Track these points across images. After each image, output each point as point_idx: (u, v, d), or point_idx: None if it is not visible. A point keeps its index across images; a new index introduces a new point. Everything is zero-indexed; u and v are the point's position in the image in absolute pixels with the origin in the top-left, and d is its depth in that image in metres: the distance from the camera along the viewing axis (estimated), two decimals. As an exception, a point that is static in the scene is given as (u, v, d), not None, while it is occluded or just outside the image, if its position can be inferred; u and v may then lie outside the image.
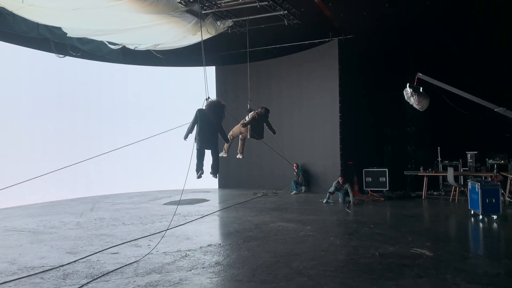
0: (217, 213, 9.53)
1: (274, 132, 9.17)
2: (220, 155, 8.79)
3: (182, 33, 8.52)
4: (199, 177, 6.68)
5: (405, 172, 11.73)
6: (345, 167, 11.74)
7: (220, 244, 6.60)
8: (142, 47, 9.44)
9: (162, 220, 8.67)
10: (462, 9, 10.21)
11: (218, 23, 9.37)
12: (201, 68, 14.87)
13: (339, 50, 11.74)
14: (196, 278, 4.98)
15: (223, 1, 9.18)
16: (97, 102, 13.43)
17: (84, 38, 9.35)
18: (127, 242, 6.88)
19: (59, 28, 8.54)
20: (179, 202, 7.90)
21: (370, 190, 11.55)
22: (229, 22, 9.54)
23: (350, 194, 10.29)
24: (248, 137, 8.98)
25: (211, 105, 6.86)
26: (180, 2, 8.30)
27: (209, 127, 6.83)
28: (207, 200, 11.55)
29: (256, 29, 10.92)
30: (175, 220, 8.63)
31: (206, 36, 9.04)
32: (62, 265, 5.60)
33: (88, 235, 7.45)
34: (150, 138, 7.74)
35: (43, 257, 6.05)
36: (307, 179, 12.66)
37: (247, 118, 9.03)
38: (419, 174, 11.16)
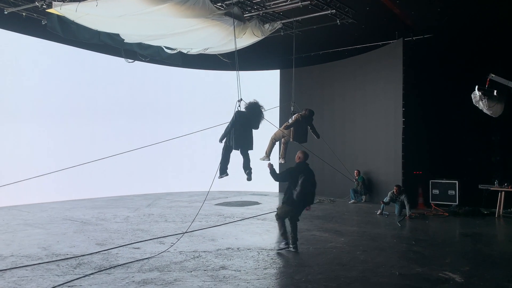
0: (259, 217, 9.42)
1: (318, 137, 8.80)
2: (260, 159, 8.71)
3: (226, 36, 8.55)
4: (221, 178, 6.67)
5: (479, 186, 10.39)
6: (409, 177, 10.83)
7: (238, 248, 6.49)
8: (193, 51, 9.70)
9: (202, 220, 8.82)
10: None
11: (267, 25, 9.28)
12: (266, 72, 15.02)
13: (404, 51, 10.88)
14: (190, 280, 4.95)
15: (272, 3, 9.07)
16: (165, 104, 14.23)
17: (142, 43, 9.92)
18: (155, 238, 7.12)
19: (118, 35, 9.19)
20: (203, 203, 7.94)
21: (435, 204, 10.43)
22: (278, 24, 9.38)
23: (407, 207, 9.48)
24: (291, 140, 8.74)
25: (252, 108, 6.82)
26: (221, 6, 8.40)
27: (246, 128, 6.82)
28: (259, 203, 11.49)
29: (315, 31, 10.58)
30: (213, 221, 8.79)
31: (253, 39, 9.00)
32: (83, 255, 5.97)
33: (126, 229, 7.88)
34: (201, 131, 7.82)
35: (74, 246, 6.52)
36: (367, 188, 11.95)
37: (290, 121, 8.80)
38: (491, 188, 9.82)
